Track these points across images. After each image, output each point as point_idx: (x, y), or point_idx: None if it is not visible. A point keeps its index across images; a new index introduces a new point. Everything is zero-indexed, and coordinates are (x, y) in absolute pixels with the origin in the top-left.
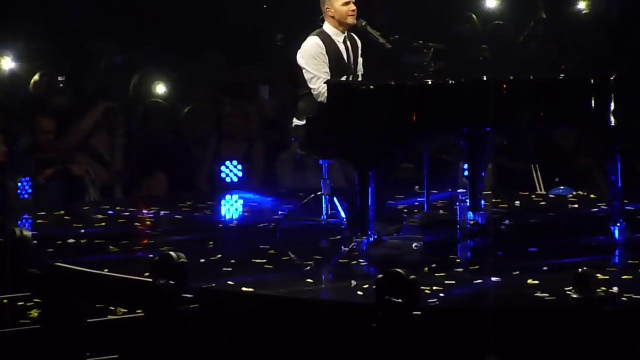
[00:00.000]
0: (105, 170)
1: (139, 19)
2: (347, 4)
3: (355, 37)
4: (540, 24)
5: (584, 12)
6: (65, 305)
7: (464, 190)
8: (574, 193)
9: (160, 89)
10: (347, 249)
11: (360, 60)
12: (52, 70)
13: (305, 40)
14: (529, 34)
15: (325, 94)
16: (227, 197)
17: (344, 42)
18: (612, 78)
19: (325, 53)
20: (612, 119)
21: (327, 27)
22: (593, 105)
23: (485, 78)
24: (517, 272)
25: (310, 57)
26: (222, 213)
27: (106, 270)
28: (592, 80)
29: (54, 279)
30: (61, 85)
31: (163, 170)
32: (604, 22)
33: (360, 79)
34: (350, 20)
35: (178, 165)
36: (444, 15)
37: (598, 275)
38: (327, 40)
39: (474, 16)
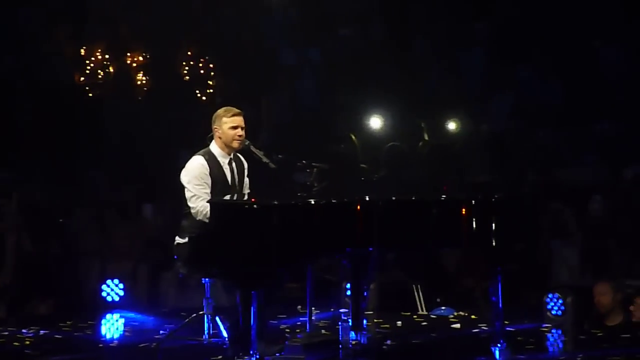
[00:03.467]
0: None
1: (19, 138)
2: (234, 128)
3: (242, 158)
4: (424, 145)
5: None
6: None
7: (347, 310)
8: (456, 313)
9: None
10: None
11: (246, 180)
12: None
13: (190, 159)
14: (414, 155)
15: (204, 213)
16: (108, 316)
17: (230, 163)
18: (493, 200)
19: (208, 174)
20: (493, 240)
21: (214, 147)
22: (475, 226)
23: (367, 198)
24: None
25: (194, 177)
26: (103, 332)
27: None
28: (473, 202)
29: None
30: None
31: (49, 290)
32: (487, 144)
33: (245, 198)
34: (236, 144)
35: (64, 284)
36: (325, 135)
37: None
38: (212, 160)
39: (352, 136)
